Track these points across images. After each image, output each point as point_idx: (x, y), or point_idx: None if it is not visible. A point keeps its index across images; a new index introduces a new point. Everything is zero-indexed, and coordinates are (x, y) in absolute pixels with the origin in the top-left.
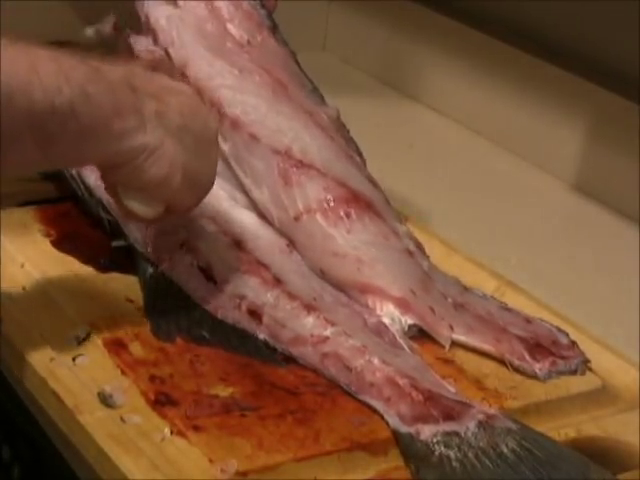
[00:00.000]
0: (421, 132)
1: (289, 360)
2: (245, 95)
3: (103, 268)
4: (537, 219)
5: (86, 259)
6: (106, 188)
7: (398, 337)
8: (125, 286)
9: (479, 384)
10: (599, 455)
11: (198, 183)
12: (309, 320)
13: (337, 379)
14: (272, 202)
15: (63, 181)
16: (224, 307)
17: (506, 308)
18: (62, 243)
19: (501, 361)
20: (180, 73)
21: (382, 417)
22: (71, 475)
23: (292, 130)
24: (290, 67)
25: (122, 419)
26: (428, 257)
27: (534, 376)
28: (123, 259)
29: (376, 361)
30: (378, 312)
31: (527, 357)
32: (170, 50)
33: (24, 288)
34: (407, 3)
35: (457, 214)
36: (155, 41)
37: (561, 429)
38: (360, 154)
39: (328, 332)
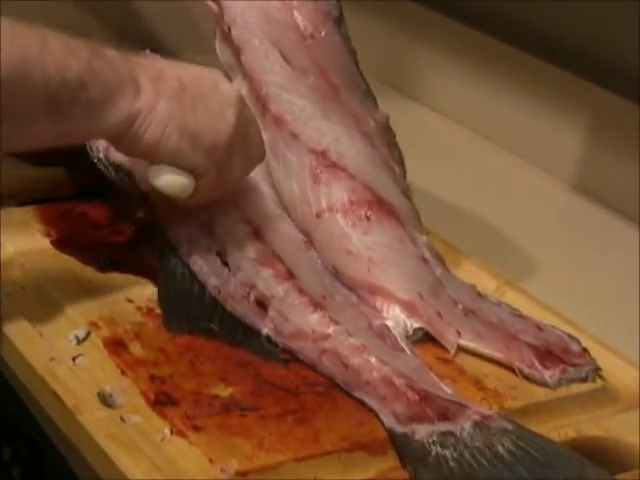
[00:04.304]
0: (421, 132)
1: (289, 360)
2: (293, 95)
3: (103, 268)
4: (537, 219)
5: (86, 259)
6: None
7: (399, 340)
8: (125, 286)
9: (479, 384)
10: (599, 455)
11: (202, 141)
12: (314, 317)
13: (334, 376)
14: (299, 196)
15: (78, 170)
16: (234, 296)
17: (519, 315)
18: (62, 243)
19: (502, 363)
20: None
21: (377, 416)
22: (71, 475)
23: (332, 133)
24: (347, 67)
25: (122, 419)
26: (447, 268)
27: (544, 384)
28: (123, 259)
29: (374, 360)
30: (384, 314)
31: (537, 364)
32: (232, 28)
33: (24, 288)
34: (407, 3)
35: (457, 214)
36: (220, 18)
37: (561, 429)
38: (401, 163)
39: (330, 330)
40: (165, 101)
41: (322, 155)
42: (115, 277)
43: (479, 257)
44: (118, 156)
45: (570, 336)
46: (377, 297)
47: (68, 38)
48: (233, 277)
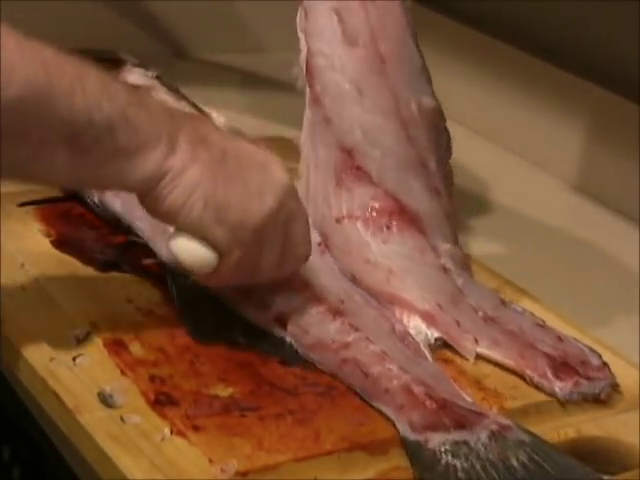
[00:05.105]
0: None
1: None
2: (336, 72)
3: (103, 268)
4: (537, 219)
5: (86, 259)
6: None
7: (422, 346)
8: (125, 286)
9: (479, 384)
10: (599, 455)
11: (227, 216)
12: (334, 325)
13: (353, 384)
14: (321, 194)
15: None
16: (254, 314)
17: (541, 325)
18: (62, 243)
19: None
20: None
21: (388, 420)
22: (71, 475)
23: (364, 129)
24: (401, 37)
25: (122, 419)
26: (470, 275)
27: (553, 394)
28: (123, 259)
29: (394, 368)
30: (405, 324)
31: (549, 375)
32: None
33: (24, 288)
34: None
35: (457, 214)
36: None
37: (561, 429)
38: (448, 147)
39: (351, 338)
40: (198, 166)
41: (349, 155)
42: (115, 277)
43: (479, 257)
44: (116, 204)
45: (591, 349)
46: (396, 307)
47: (111, 80)
48: (250, 297)
